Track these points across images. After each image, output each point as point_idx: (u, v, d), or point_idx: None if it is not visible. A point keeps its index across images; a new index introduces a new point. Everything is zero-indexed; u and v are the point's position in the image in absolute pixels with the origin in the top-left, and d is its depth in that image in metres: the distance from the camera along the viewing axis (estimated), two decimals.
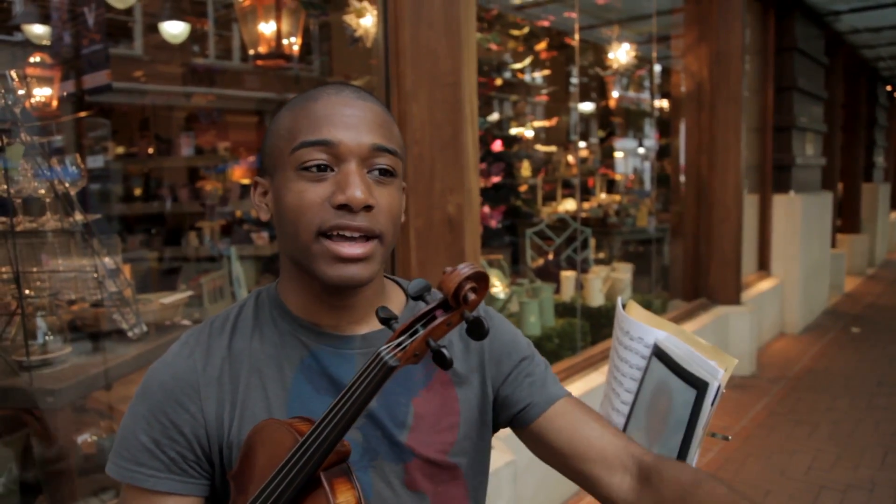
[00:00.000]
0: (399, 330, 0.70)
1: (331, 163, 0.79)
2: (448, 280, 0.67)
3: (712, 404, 0.90)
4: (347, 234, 0.78)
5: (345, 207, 0.78)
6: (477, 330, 0.69)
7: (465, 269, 0.67)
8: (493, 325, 0.98)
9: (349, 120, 0.80)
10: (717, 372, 0.90)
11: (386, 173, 0.82)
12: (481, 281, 0.68)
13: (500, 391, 0.96)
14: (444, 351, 0.67)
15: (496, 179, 4.81)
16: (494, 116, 5.37)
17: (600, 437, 0.92)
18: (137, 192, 5.29)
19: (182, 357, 0.85)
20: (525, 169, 5.99)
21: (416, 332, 0.69)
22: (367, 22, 3.25)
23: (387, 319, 0.71)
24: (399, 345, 0.69)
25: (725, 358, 0.94)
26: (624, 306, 1.13)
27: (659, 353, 1.03)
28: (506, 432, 2.75)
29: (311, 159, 0.79)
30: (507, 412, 0.97)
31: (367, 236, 0.80)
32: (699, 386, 0.91)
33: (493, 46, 5.08)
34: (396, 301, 0.96)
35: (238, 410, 0.83)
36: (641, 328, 1.08)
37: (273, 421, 0.77)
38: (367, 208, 0.79)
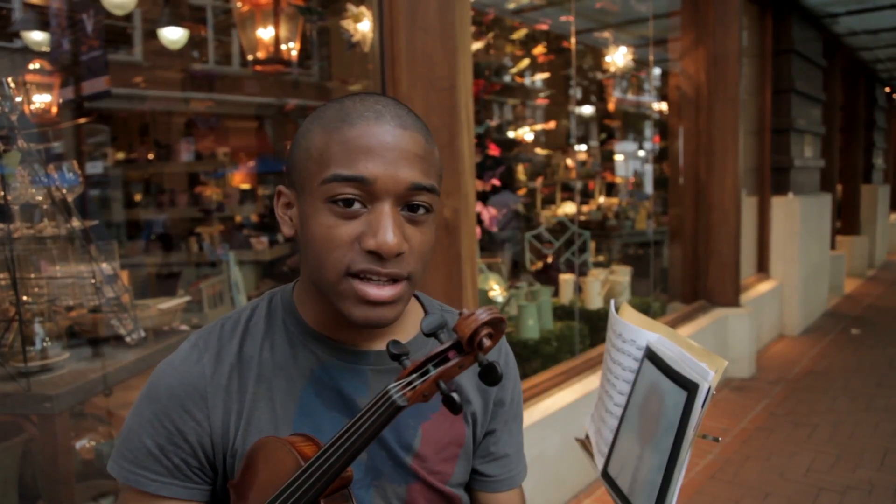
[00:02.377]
0: (410, 368, 0.68)
1: (364, 199, 0.75)
2: (464, 325, 0.65)
3: (702, 406, 0.90)
4: (374, 278, 0.75)
5: (375, 253, 0.74)
6: (490, 375, 0.67)
7: (483, 315, 0.65)
8: (508, 372, 0.99)
9: (388, 154, 0.74)
10: (707, 374, 0.90)
11: (422, 210, 0.78)
12: (498, 327, 0.67)
13: (482, 439, 0.97)
14: (455, 396, 0.65)
15: (497, 182, 4.81)
16: (493, 123, 5.38)
17: None
18: (137, 197, 5.30)
19: (191, 361, 0.83)
20: (521, 173, 6.00)
21: (427, 371, 0.68)
22: (364, 27, 3.26)
23: (398, 356, 0.69)
24: (409, 384, 0.67)
25: (716, 360, 0.95)
26: (617, 309, 1.13)
27: (651, 356, 1.04)
28: None
29: (342, 193, 0.74)
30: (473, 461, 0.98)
31: (396, 279, 0.77)
32: (689, 388, 0.92)
33: (492, 51, 5.10)
34: (413, 319, 0.93)
35: (244, 420, 0.82)
36: (634, 330, 1.08)
37: (275, 439, 0.76)
38: (398, 254, 0.75)
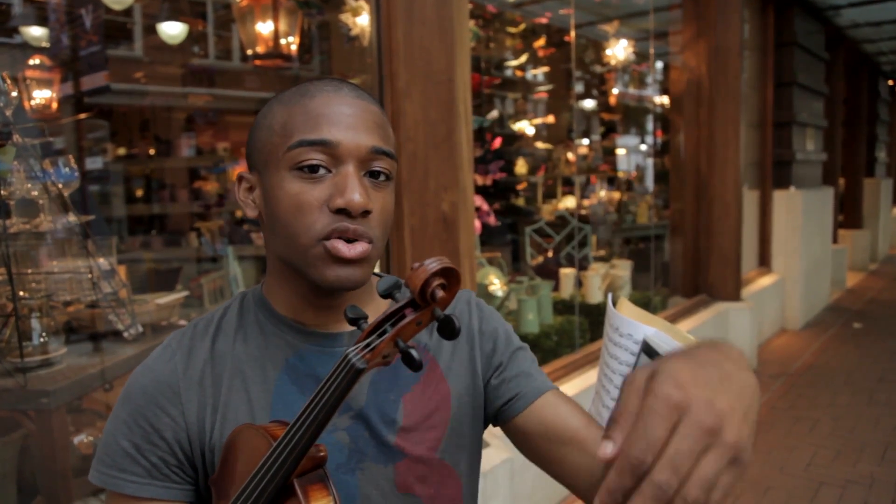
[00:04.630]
0: (367, 330, 0.67)
1: (328, 164, 0.77)
2: (414, 277, 0.63)
3: None
4: (345, 237, 0.77)
5: (343, 212, 0.76)
6: (448, 328, 0.65)
7: (431, 265, 0.63)
8: (484, 316, 0.97)
9: (349, 120, 0.78)
10: None
11: (383, 177, 0.81)
12: (451, 276, 0.65)
13: (490, 383, 0.94)
14: (413, 352, 0.64)
15: (497, 177, 4.80)
16: (494, 114, 5.36)
17: (586, 427, 0.89)
18: (139, 192, 5.30)
19: (163, 360, 0.84)
20: (521, 166, 5.99)
21: (384, 332, 0.66)
22: (363, 21, 3.25)
23: (355, 319, 0.68)
24: (367, 346, 0.66)
25: None
26: (614, 303, 1.12)
27: (647, 350, 1.03)
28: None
29: (308, 159, 0.76)
30: (494, 404, 0.94)
31: (363, 239, 0.79)
32: None
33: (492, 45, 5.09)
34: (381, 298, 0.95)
35: (220, 413, 0.82)
36: (631, 325, 1.07)
37: (248, 426, 0.75)
38: (365, 213, 0.77)
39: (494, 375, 0.94)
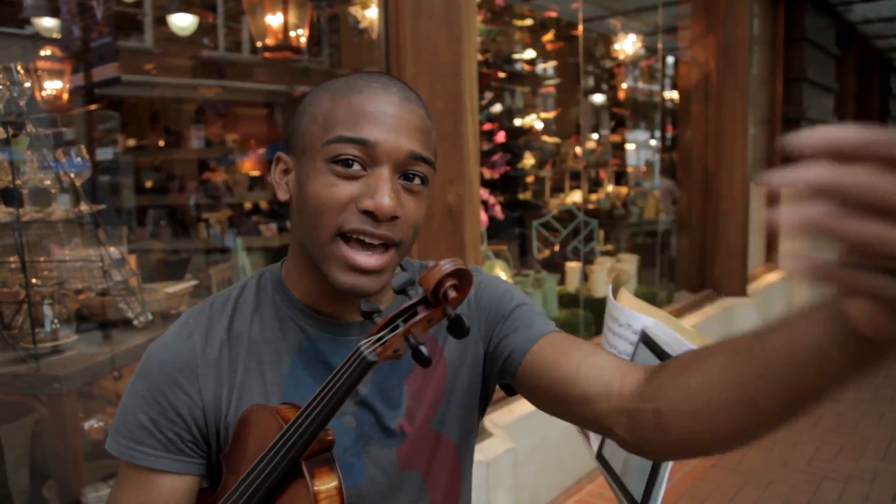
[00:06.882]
0: (380, 325, 0.69)
1: (365, 162, 0.76)
2: (428, 277, 0.65)
3: None
4: (367, 240, 0.76)
5: (370, 214, 0.75)
6: (458, 328, 0.67)
7: (446, 266, 0.65)
8: (482, 288, 0.95)
9: (391, 121, 0.77)
10: None
11: (417, 180, 0.79)
12: (463, 278, 0.67)
13: (490, 345, 0.93)
14: (423, 349, 0.66)
15: (503, 170, 4.80)
16: (497, 108, 5.35)
17: (592, 353, 0.81)
18: (148, 183, 5.34)
19: (181, 338, 0.85)
20: (527, 160, 5.99)
21: (396, 327, 0.68)
22: (372, 14, 3.27)
23: (369, 313, 0.69)
24: (379, 339, 0.68)
25: (708, 343, 0.96)
26: (615, 294, 1.15)
27: (646, 339, 1.05)
28: (505, 420, 2.74)
29: (344, 154, 0.76)
30: (498, 363, 0.91)
31: (386, 245, 0.78)
32: None
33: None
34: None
35: (236, 393, 0.84)
36: (630, 315, 1.09)
37: (260, 407, 0.78)
38: (393, 218, 0.76)
39: (493, 337, 0.92)
